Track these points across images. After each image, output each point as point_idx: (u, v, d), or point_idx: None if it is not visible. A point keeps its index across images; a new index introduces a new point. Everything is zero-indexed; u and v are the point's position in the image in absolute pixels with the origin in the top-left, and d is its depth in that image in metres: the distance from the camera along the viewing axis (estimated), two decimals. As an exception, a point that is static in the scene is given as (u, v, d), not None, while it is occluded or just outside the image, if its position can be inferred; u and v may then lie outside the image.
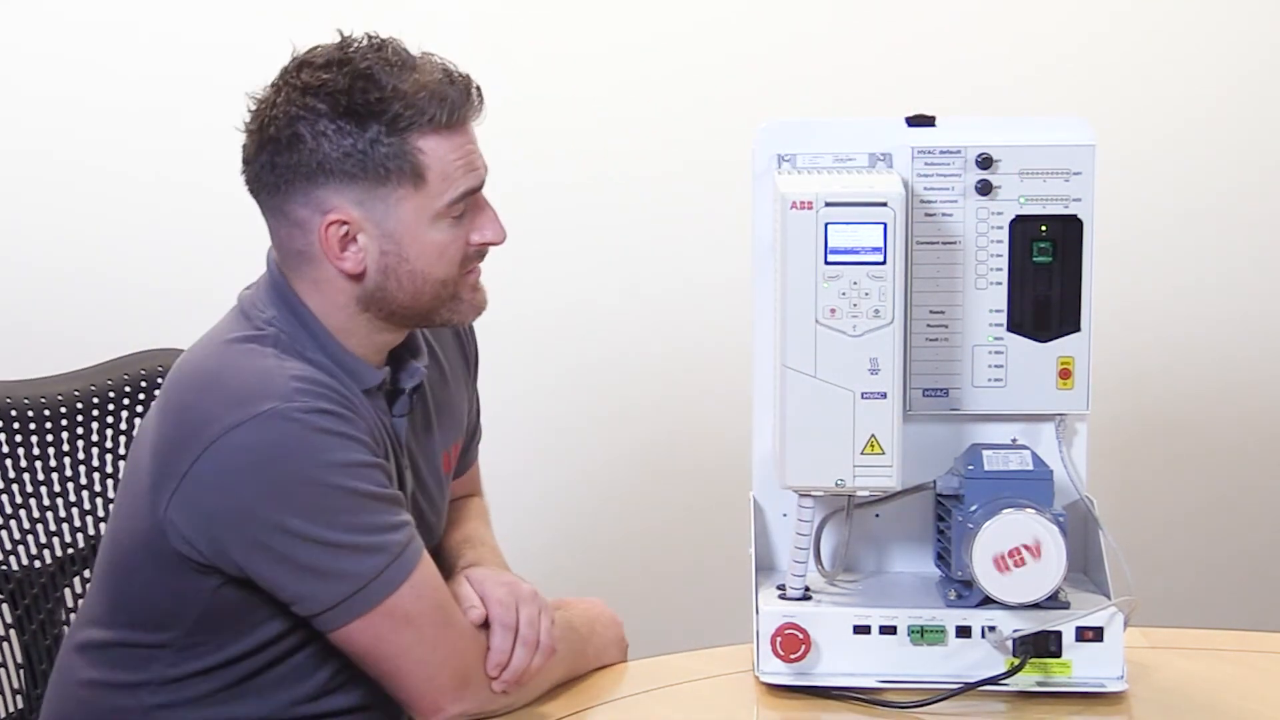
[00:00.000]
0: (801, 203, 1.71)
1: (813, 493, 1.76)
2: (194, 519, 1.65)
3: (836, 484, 1.73)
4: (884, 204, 1.71)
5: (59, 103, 2.87)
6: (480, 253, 1.73)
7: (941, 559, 1.86)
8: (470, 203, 1.71)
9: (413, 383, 1.78)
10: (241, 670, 1.74)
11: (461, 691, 1.69)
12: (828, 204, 1.71)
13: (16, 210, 2.89)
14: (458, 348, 1.93)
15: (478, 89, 1.71)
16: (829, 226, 1.71)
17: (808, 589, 1.81)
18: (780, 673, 1.77)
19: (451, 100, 1.66)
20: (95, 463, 2.10)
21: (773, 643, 1.77)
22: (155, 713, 1.75)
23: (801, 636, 1.77)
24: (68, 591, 2.07)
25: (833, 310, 1.71)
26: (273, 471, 1.63)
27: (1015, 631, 1.75)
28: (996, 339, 1.85)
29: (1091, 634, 1.75)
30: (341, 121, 1.65)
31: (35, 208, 2.89)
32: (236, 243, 2.96)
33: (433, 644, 1.68)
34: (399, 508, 1.69)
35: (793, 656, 1.77)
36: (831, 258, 1.71)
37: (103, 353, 2.18)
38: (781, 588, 1.82)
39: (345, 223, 1.67)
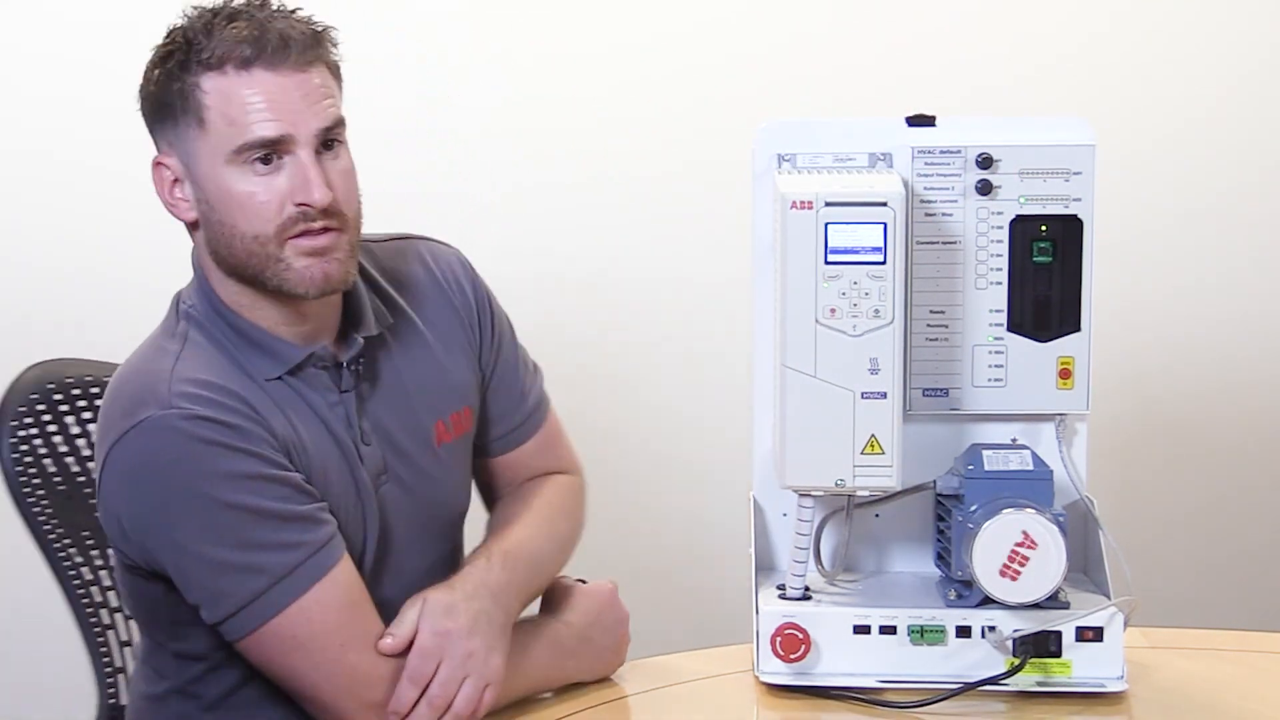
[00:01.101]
0: (801, 203, 1.71)
1: (813, 493, 1.76)
2: (109, 525, 1.67)
3: (836, 484, 1.73)
4: (884, 204, 1.70)
5: (59, 103, 2.87)
6: (304, 214, 1.63)
7: (941, 559, 1.86)
8: (292, 160, 1.63)
9: (348, 355, 1.73)
10: (230, 679, 1.73)
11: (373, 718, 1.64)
12: (828, 204, 1.71)
13: (18, 210, 2.88)
14: (452, 312, 1.84)
15: (303, 41, 1.63)
16: (829, 226, 1.71)
17: (808, 589, 1.81)
18: (780, 673, 1.77)
19: (241, 41, 1.61)
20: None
21: (773, 643, 1.77)
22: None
23: (801, 636, 1.77)
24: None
25: (833, 310, 1.71)
26: (153, 482, 1.61)
27: (1015, 631, 1.75)
28: (996, 339, 1.85)
29: (1091, 634, 1.75)
30: (154, 63, 1.66)
31: (36, 208, 2.89)
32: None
33: (329, 669, 1.63)
34: (296, 523, 1.63)
35: (793, 656, 1.77)
36: (831, 258, 1.71)
37: (105, 351, 2.17)
38: (781, 588, 1.82)
39: (165, 165, 1.68)
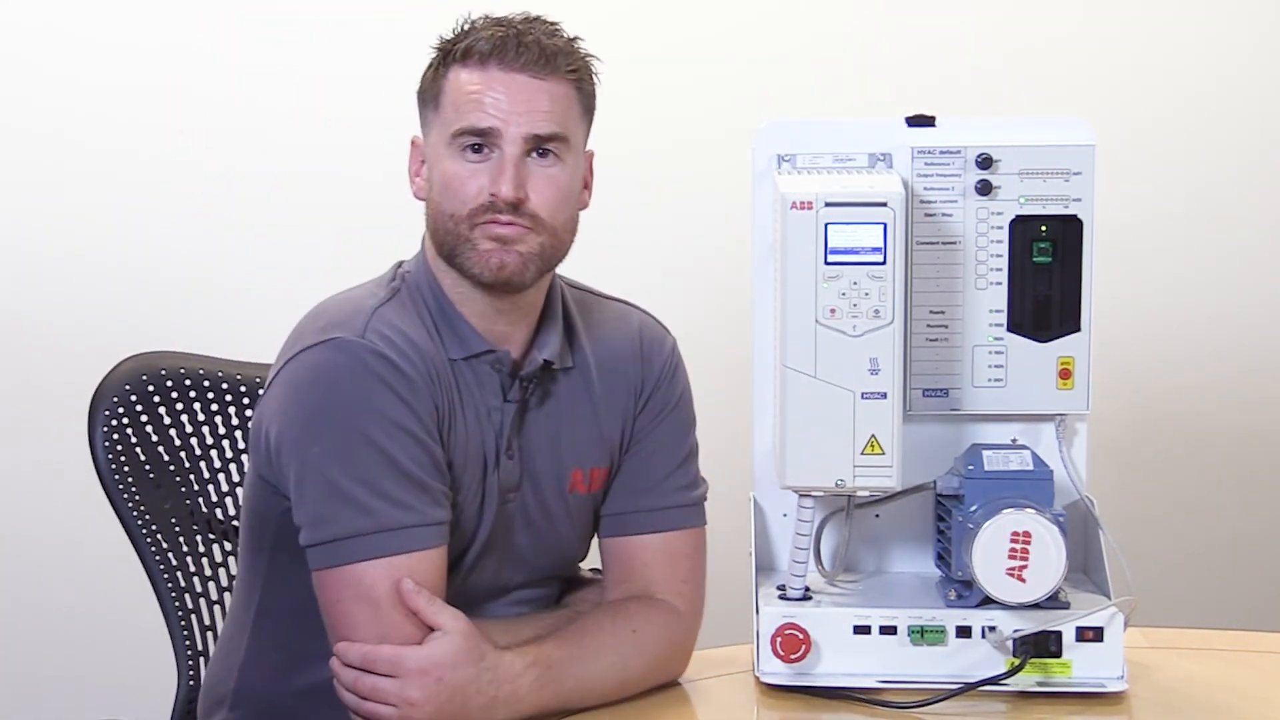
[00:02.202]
0: (801, 203, 1.71)
1: (813, 493, 1.76)
2: (259, 426, 1.75)
3: (836, 484, 1.73)
4: (884, 204, 1.71)
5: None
6: (493, 204, 1.71)
7: (941, 559, 1.86)
8: (498, 155, 1.71)
9: (528, 370, 1.78)
10: (318, 617, 1.73)
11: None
12: (828, 204, 1.71)
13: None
14: (629, 380, 1.86)
15: (541, 52, 1.72)
16: (829, 226, 1.71)
17: (808, 589, 1.81)
18: (780, 673, 1.77)
19: (485, 40, 1.72)
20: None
21: (773, 643, 1.77)
22: (246, 661, 1.83)
23: (801, 636, 1.77)
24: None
25: (833, 310, 1.71)
26: (315, 394, 1.70)
27: (1015, 631, 1.75)
28: (996, 339, 1.85)
29: (1091, 634, 1.75)
30: (433, 56, 1.78)
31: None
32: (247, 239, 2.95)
33: (380, 634, 1.65)
34: (420, 490, 1.68)
35: (793, 656, 1.77)
36: (831, 258, 1.71)
37: (200, 346, 2.17)
38: (781, 588, 1.82)
39: (417, 146, 1.80)
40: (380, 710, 1.64)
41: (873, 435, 1.72)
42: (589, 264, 1.87)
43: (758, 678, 1.79)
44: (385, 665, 1.64)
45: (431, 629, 1.66)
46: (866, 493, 1.78)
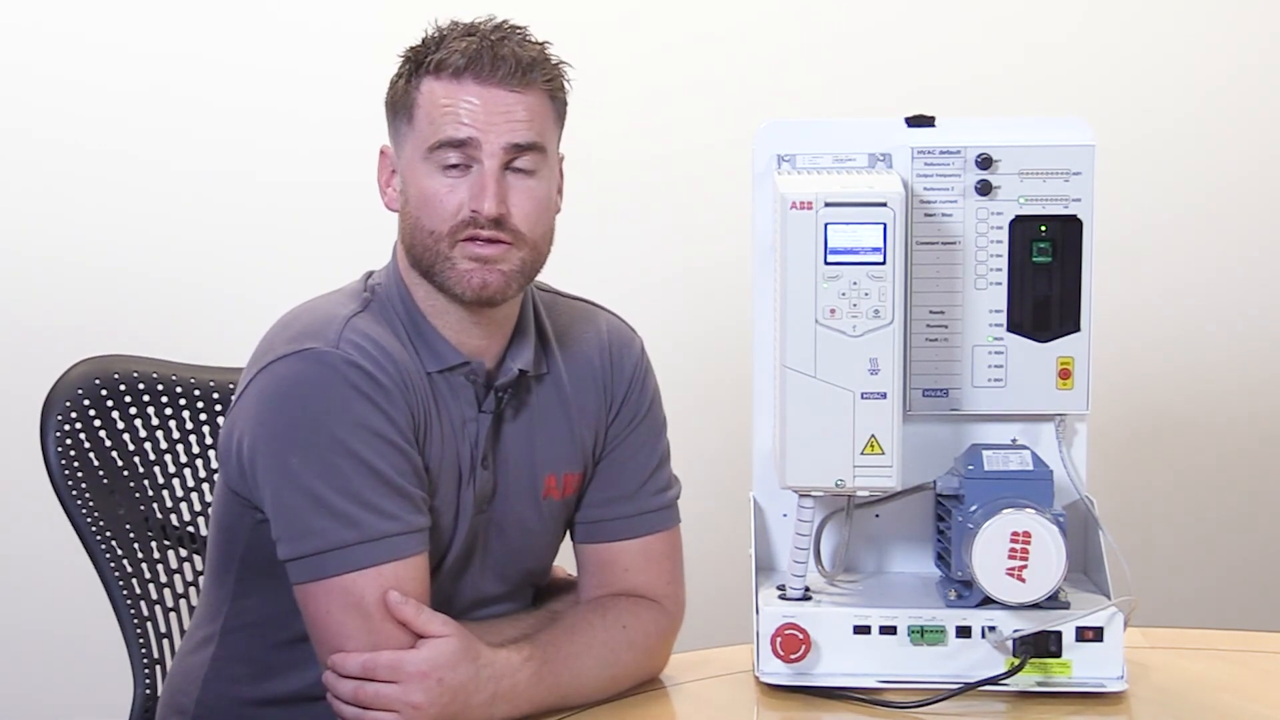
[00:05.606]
0: (801, 203, 1.71)
1: (813, 493, 1.76)
2: (230, 438, 1.73)
3: (836, 484, 1.73)
4: (884, 204, 1.71)
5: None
6: (474, 220, 1.69)
7: (941, 559, 1.86)
8: (478, 169, 1.69)
9: (502, 380, 1.77)
10: (285, 632, 1.75)
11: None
12: (827, 204, 1.71)
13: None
14: (600, 382, 1.86)
15: (517, 64, 1.70)
16: (829, 227, 1.71)
17: (808, 589, 1.81)
18: (780, 673, 1.77)
19: (461, 53, 1.70)
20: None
21: (773, 643, 1.77)
22: (211, 673, 1.81)
23: (801, 636, 1.77)
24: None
25: (833, 310, 1.71)
26: (291, 405, 1.68)
27: (1015, 631, 1.75)
28: (996, 339, 1.85)
29: (1091, 634, 1.75)
30: (400, 64, 1.76)
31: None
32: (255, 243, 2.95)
33: (373, 643, 1.65)
34: (402, 499, 1.67)
35: (793, 656, 1.77)
36: (831, 258, 1.71)
37: (154, 350, 2.16)
38: (781, 588, 1.82)
39: (386, 155, 1.78)
40: (383, 718, 1.63)
41: (873, 435, 1.72)
42: (589, 265, 1.88)
43: (758, 678, 1.79)
44: (386, 671, 1.63)
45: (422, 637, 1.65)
46: (866, 493, 1.77)
